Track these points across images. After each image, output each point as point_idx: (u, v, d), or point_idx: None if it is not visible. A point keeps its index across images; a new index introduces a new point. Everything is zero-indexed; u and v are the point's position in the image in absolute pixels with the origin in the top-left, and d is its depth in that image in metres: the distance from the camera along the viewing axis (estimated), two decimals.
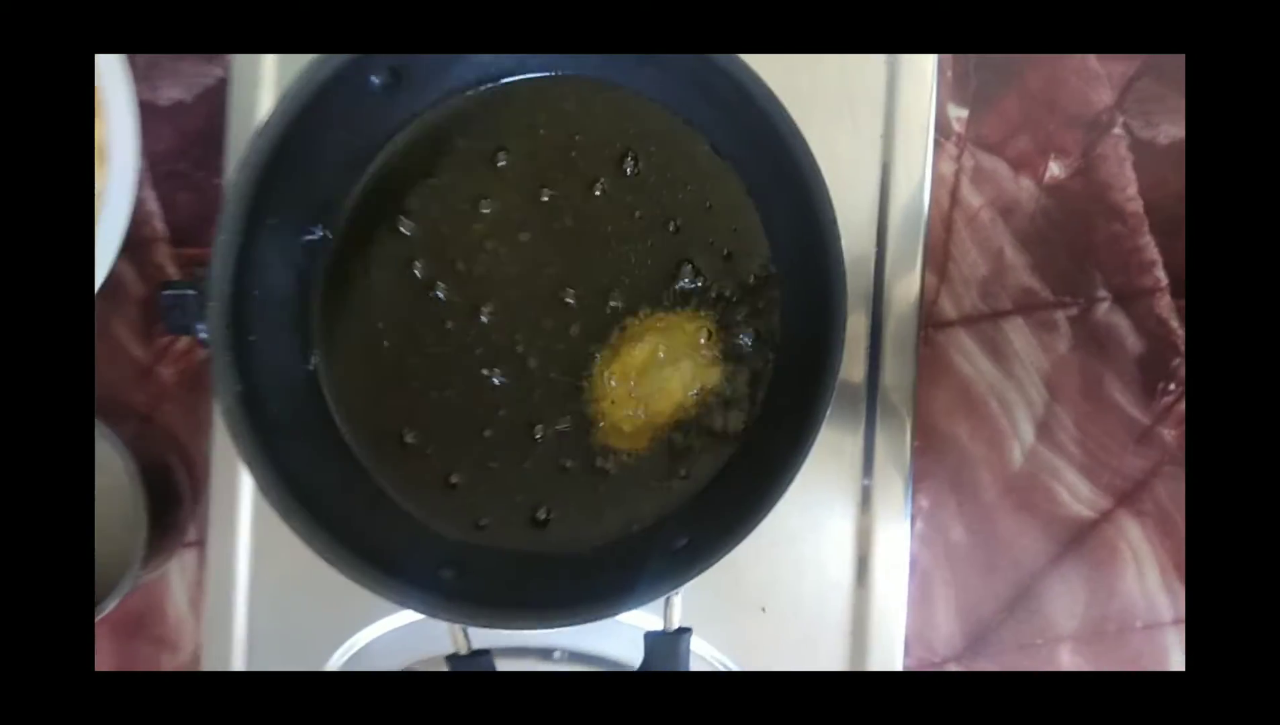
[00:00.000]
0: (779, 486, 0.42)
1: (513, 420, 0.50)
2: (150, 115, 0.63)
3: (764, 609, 0.56)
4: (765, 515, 0.42)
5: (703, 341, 0.50)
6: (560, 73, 0.50)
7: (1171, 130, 0.63)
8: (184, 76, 0.63)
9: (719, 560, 0.42)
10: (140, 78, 0.63)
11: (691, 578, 0.42)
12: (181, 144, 0.63)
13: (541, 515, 0.50)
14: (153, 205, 0.64)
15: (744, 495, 0.44)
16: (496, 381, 0.50)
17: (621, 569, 0.44)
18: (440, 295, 0.50)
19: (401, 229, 0.50)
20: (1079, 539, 0.62)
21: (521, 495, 0.50)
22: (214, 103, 0.62)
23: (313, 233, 0.48)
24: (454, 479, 0.50)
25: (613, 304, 0.50)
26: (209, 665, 0.58)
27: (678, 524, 0.47)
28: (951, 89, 0.62)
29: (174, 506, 0.62)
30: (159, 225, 0.63)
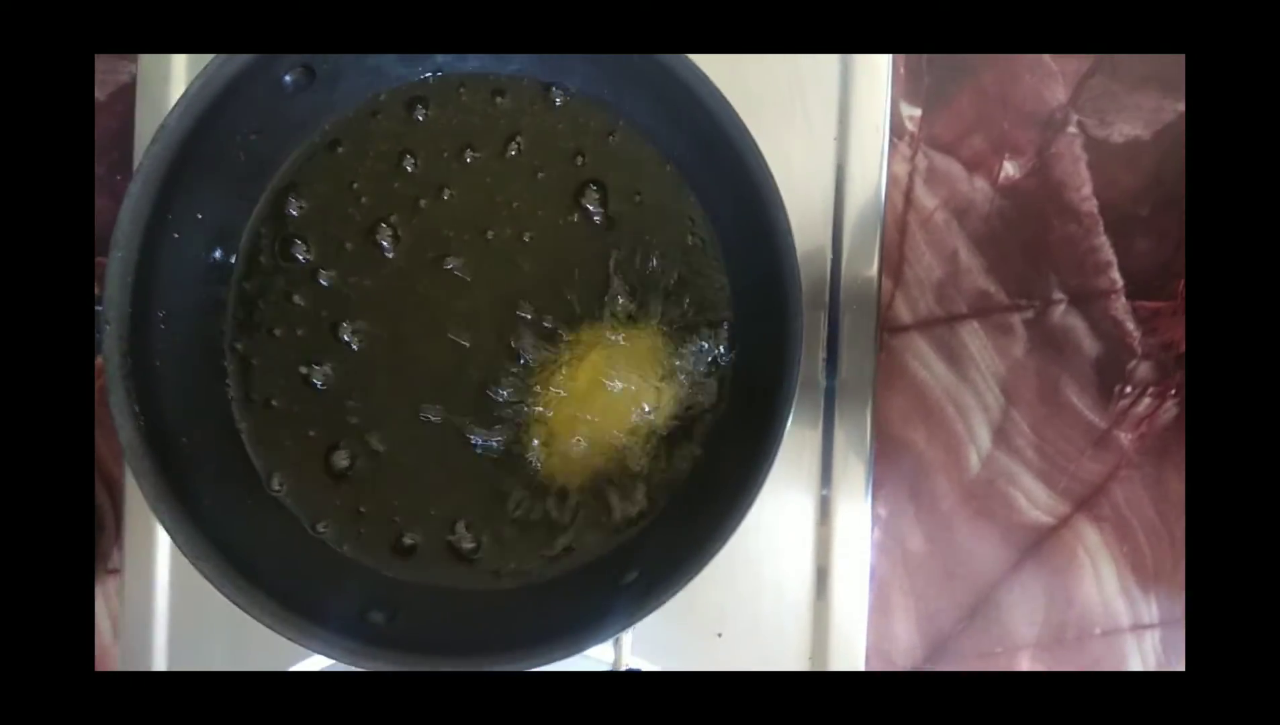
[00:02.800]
0: (735, 515, 0.38)
1: (445, 445, 0.46)
2: None
3: (720, 634, 0.51)
4: (721, 546, 0.38)
5: (654, 361, 0.45)
6: (498, 73, 0.45)
7: (1125, 128, 0.59)
8: (97, 74, 0.57)
9: (672, 596, 0.38)
10: None
11: (642, 616, 0.38)
12: (98, 144, 0.57)
13: (471, 545, 0.45)
14: None
15: (698, 525, 0.39)
16: (430, 413, 0.46)
17: (566, 606, 0.39)
18: (357, 324, 0.46)
19: (307, 244, 0.45)
20: (1037, 546, 0.59)
21: (456, 523, 0.45)
22: (130, 101, 0.56)
23: (218, 253, 0.42)
24: (383, 509, 0.45)
25: (546, 323, 0.46)
26: None
27: (626, 557, 0.42)
28: (904, 86, 0.58)
29: (96, 533, 0.56)
30: None
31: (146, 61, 0.52)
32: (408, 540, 0.45)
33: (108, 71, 0.57)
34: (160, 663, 0.51)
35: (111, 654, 0.55)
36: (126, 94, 0.56)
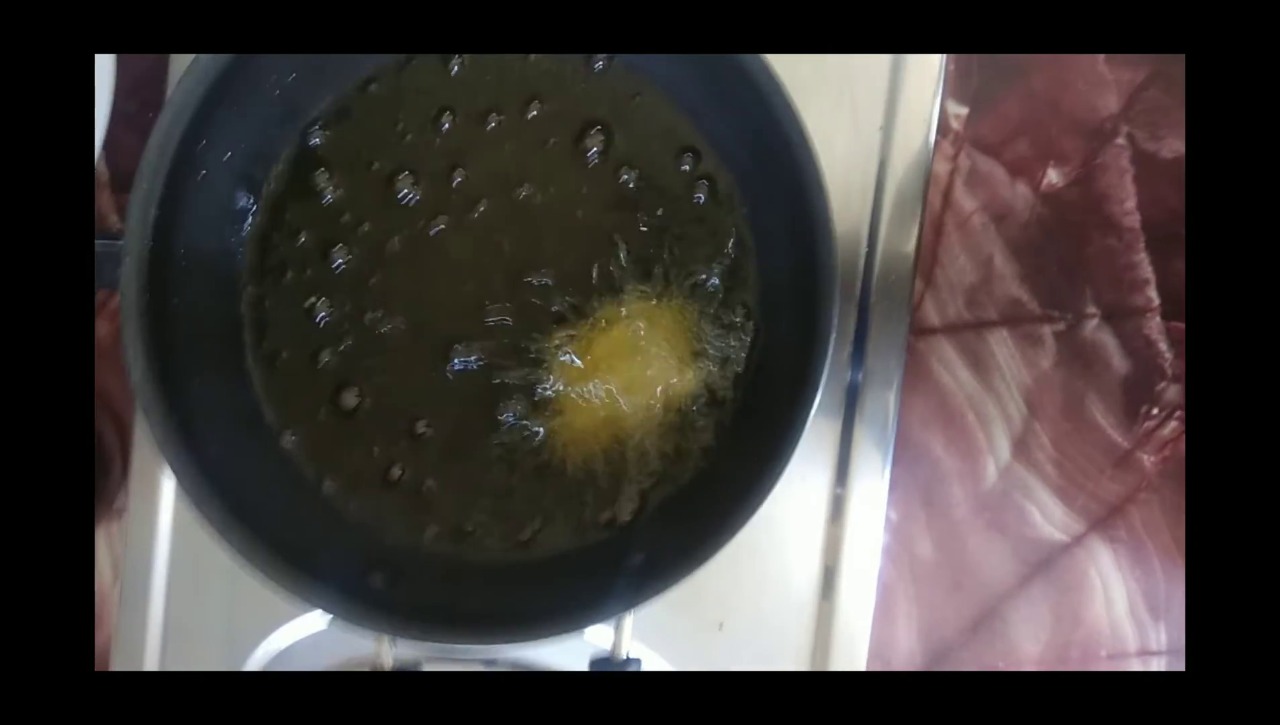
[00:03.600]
0: (746, 508, 0.37)
1: (462, 408, 0.44)
2: None
3: (721, 625, 0.50)
4: (729, 538, 0.37)
5: (677, 340, 0.44)
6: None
7: (1176, 144, 0.58)
8: None
9: (676, 583, 0.36)
10: None
11: (644, 601, 0.37)
12: (128, 83, 0.56)
13: (481, 519, 0.44)
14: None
15: (707, 515, 0.38)
16: (457, 364, 0.44)
17: (567, 584, 0.38)
18: (377, 275, 0.44)
19: (333, 191, 0.44)
20: (1048, 562, 0.57)
21: (465, 495, 0.44)
22: None
23: (243, 194, 0.41)
24: (393, 473, 0.44)
25: (567, 296, 0.45)
26: (118, 660, 0.51)
27: (633, 539, 0.41)
28: (953, 84, 0.56)
29: (102, 475, 0.56)
30: (101, 168, 0.57)
31: None
32: (411, 508, 0.44)
33: None
34: (158, 608, 0.51)
35: (111, 597, 0.55)
36: None
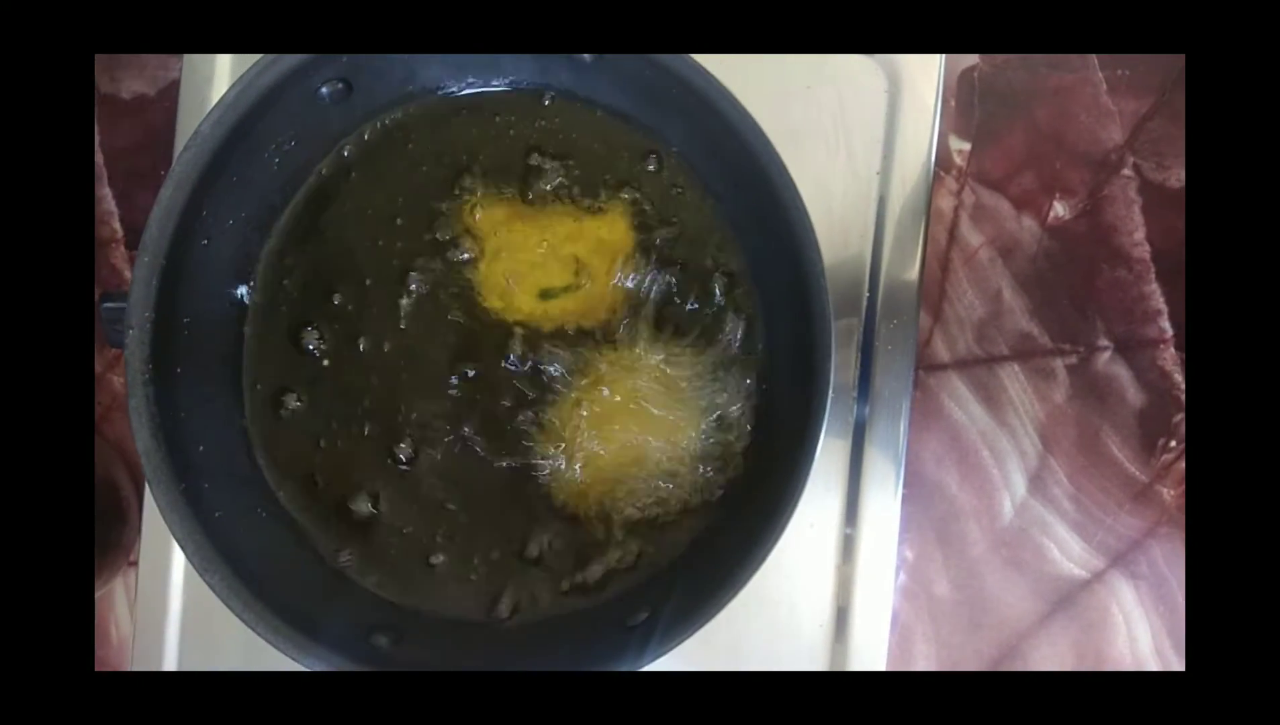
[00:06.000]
0: (750, 563, 0.36)
1: (462, 470, 0.44)
2: (111, 109, 0.58)
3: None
4: (734, 594, 0.36)
5: (680, 394, 0.44)
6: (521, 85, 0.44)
7: (1183, 173, 0.56)
8: (148, 69, 0.57)
9: (682, 641, 0.36)
10: (102, 69, 0.57)
11: (650, 660, 0.36)
12: (143, 140, 0.57)
13: (481, 572, 0.43)
14: (110, 204, 0.58)
15: (713, 569, 0.38)
16: (447, 435, 0.44)
17: (572, 644, 0.38)
18: (371, 343, 0.44)
19: (353, 250, 0.44)
20: (1069, 599, 0.56)
21: (469, 551, 0.43)
22: (178, 98, 0.56)
23: (247, 259, 0.41)
24: (395, 534, 0.44)
25: (574, 345, 0.44)
26: None
27: (637, 596, 0.41)
28: (954, 120, 0.56)
29: (119, 523, 0.56)
30: (115, 226, 0.58)
31: (190, 61, 0.51)
32: (415, 567, 0.43)
33: (158, 68, 0.57)
34: (171, 659, 0.51)
35: (125, 648, 0.55)
36: (174, 91, 0.56)
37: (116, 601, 0.57)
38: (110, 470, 0.57)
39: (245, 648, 0.49)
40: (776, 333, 0.43)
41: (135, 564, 0.55)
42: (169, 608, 0.51)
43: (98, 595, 0.57)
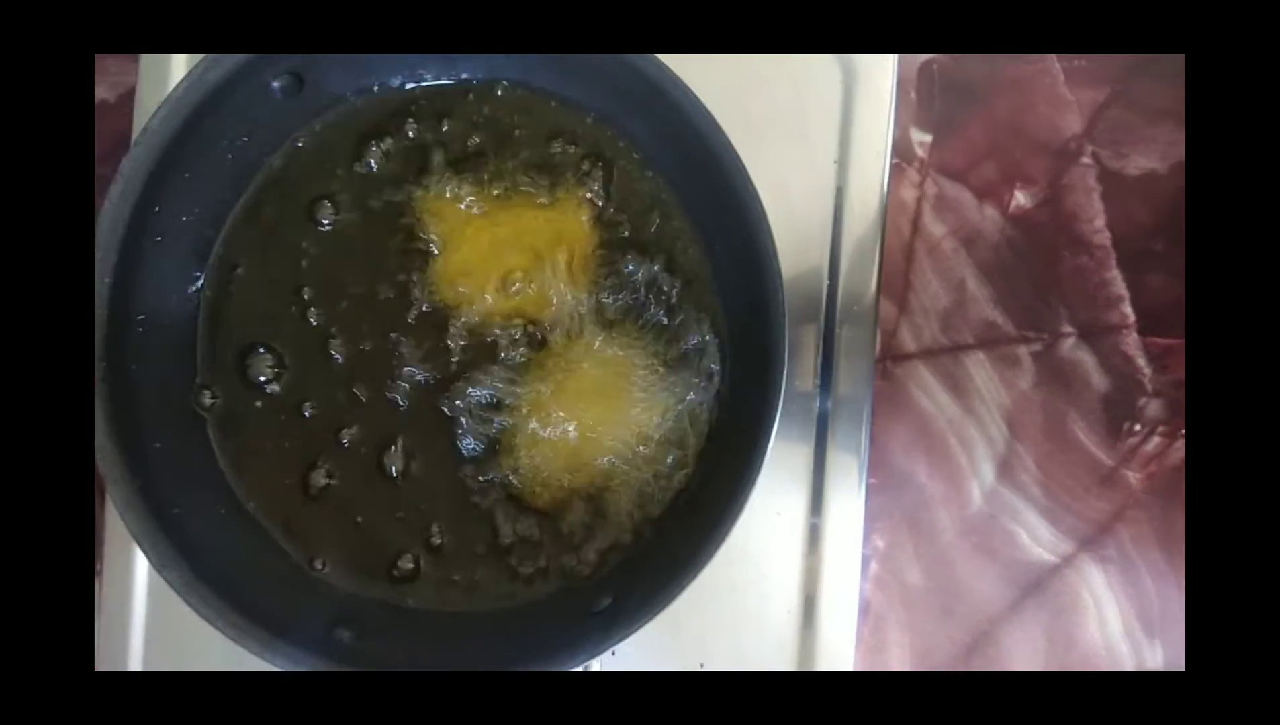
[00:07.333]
0: (713, 541, 0.36)
1: (424, 454, 0.44)
2: None
3: (702, 665, 0.49)
4: (698, 573, 0.36)
5: (640, 381, 0.44)
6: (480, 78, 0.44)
7: (1141, 161, 0.57)
8: (108, 76, 0.57)
9: (642, 626, 0.36)
10: None
11: (613, 644, 0.36)
12: (104, 147, 0.57)
13: (441, 566, 0.43)
14: None
15: (674, 550, 0.37)
16: (400, 403, 0.44)
17: (535, 632, 0.38)
18: (335, 328, 0.44)
19: (304, 245, 0.44)
20: (1039, 584, 0.56)
21: (428, 541, 0.43)
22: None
23: (200, 256, 0.41)
24: (353, 526, 0.43)
25: (532, 331, 0.44)
26: None
27: (600, 583, 0.41)
28: (915, 113, 0.56)
29: None
30: None
31: (146, 64, 0.51)
32: (378, 559, 0.43)
33: (118, 74, 0.57)
34: (136, 659, 0.50)
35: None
36: (133, 97, 0.55)
37: None
38: None
39: (210, 647, 0.49)
40: (734, 320, 0.43)
41: (100, 574, 0.55)
42: (133, 609, 0.50)
43: None
